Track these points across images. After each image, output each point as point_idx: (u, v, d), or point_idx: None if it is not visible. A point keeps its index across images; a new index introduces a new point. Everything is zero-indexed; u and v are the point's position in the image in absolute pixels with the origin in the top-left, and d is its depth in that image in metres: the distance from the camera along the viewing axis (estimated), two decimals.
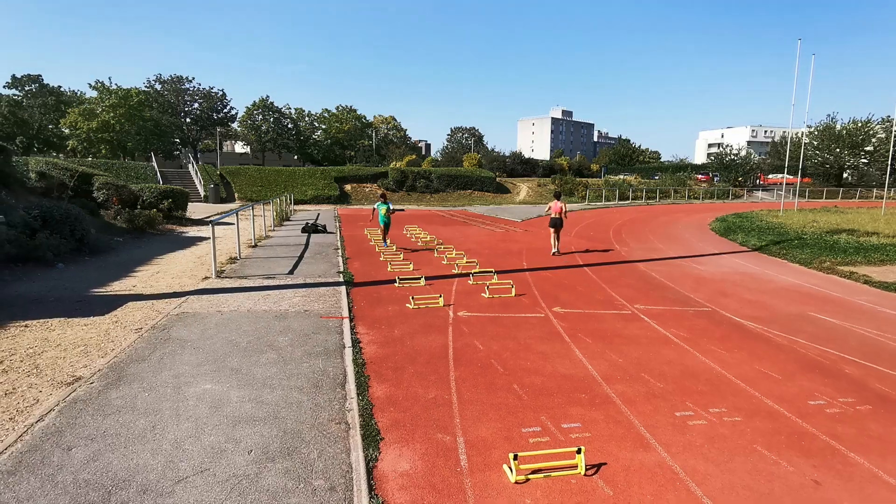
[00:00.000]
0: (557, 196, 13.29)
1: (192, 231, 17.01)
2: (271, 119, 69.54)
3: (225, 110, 64.35)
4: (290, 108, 72.29)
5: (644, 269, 11.38)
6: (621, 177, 57.58)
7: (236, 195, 34.95)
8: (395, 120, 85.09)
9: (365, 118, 78.67)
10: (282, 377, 4.61)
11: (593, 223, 22.49)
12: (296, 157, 72.89)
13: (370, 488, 3.05)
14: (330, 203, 34.73)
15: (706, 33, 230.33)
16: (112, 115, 49.58)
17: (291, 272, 9.70)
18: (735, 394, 4.65)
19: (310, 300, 7.53)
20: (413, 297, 7.66)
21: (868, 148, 60.05)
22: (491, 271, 9.81)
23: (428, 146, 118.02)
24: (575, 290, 8.97)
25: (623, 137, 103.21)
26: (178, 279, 8.92)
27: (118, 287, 8.20)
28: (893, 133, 33.91)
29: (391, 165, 50.03)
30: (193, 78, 61.65)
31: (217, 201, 32.28)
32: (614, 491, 3.14)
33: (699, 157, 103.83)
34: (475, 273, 9.74)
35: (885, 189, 29.90)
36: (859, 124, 59.43)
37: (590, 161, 77.83)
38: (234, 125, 69.82)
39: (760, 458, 3.55)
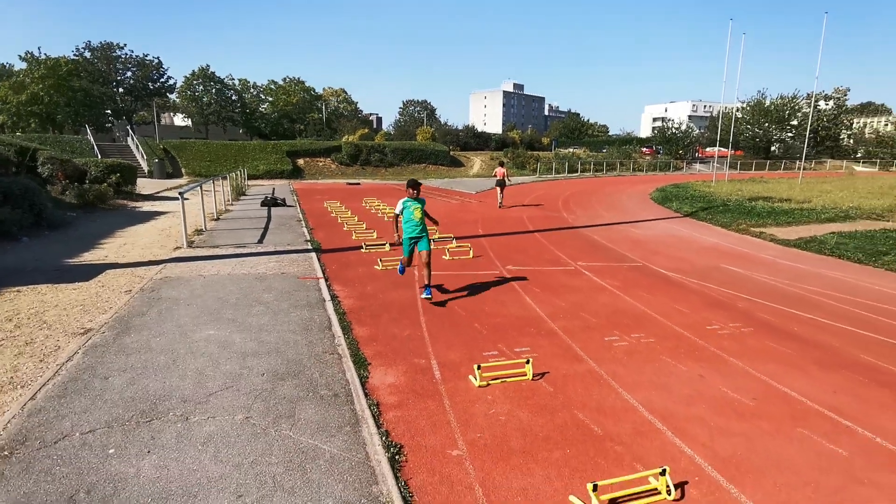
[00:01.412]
0: (501, 164, 18.33)
1: (146, 206, 16.81)
2: (213, 90, 66.47)
3: (161, 80, 60.88)
4: (233, 79, 69.32)
5: (588, 233, 12.55)
6: (571, 150, 59.54)
7: (183, 170, 33.88)
8: (346, 93, 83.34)
9: (314, 90, 76.57)
10: (275, 324, 5.29)
11: (543, 194, 23.70)
12: (241, 130, 70.31)
13: (366, 394, 3.85)
14: (283, 178, 34.33)
15: (652, 9, 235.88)
16: (41, 86, 46.18)
17: (261, 241, 10.16)
18: (652, 324, 5.74)
19: (284, 265, 8.11)
20: (380, 260, 8.40)
21: (793, 122, 64.79)
22: (450, 237, 10.64)
23: (379, 119, 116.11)
24: (526, 251, 9.96)
25: (573, 111, 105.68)
26: (149, 250, 9.21)
27: (90, 257, 8.44)
28: (812, 109, 36.99)
29: (344, 139, 49.46)
30: (125, 45, 57.68)
31: (163, 176, 31.17)
32: (554, 388, 4.10)
33: (644, 131, 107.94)
34: (435, 239, 10.54)
35: (802, 161, 32.82)
36: (786, 100, 63.89)
37: (541, 134, 79.57)
38: (173, 96, 66.30)
39: (664, 364, 4.62)
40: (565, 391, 4.06)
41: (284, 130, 70.56)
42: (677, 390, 4.09)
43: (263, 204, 16.86)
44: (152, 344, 4.61)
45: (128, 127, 48.43)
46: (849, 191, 23.54)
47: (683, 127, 63.37)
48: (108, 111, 56.63)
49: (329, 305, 6.01)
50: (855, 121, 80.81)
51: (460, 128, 57.89)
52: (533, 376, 4.25)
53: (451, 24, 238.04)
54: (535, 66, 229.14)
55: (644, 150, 61.35)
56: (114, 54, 56.06)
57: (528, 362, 4.29)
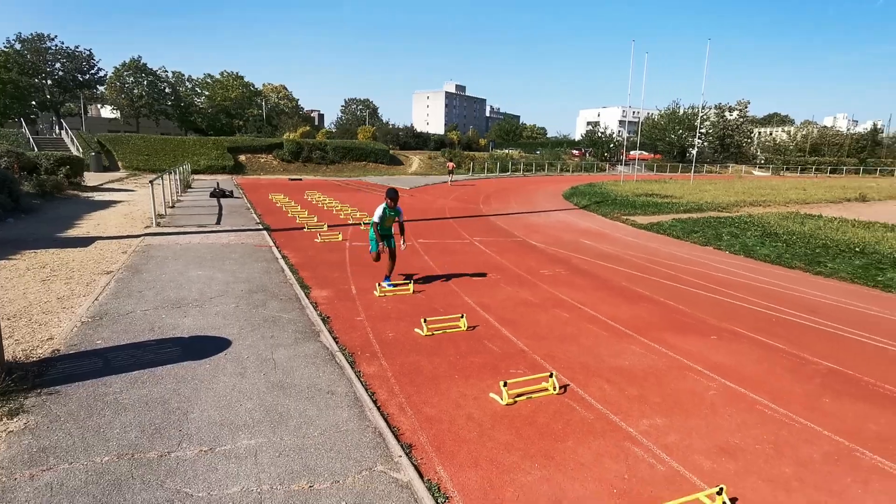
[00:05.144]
0: (450, 160, 35.47)
1: (96, 196, 18.08)
2: (145, 82, 64.96)
3: (92, 72, 59.02)
4: (166, 71, 67.95)
5: (493, 220, 15.45)
6: (506, 151, 63.47)
7: (120, 164, 34.18)
8: (286, 89, 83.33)
9: (253, 86, 76.27)
10: (243, 269, 7.61)
11: (471, 190, 26.64)
12: (176, 124, 69.05)
13: (308, 298, 6.33)
14: (225, 173, 35.33)
15: (592, 19, 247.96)
16: None
17: (218, 223, 12.23)
18: (504, 269, 8.56)
19: (242, 238, 10.32)
20: (319, 233, 10.79)
21: (703, 130, 72.37)
22: None
23: (321, 116, 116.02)
24: (438, 231, 12.66)
25: (511, 114, 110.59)
26: (122, 228, 11.07)
27: (75, 233, 10.26)
28: (699, 119, 42.21)
29: (285, 136, 50.47)
30: (56, 36, 55.51)
31: (100, 170, 31.46)
32: (426, 296, 6.75)
33: (579, 134, 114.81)
34: (366, 222, 13.01)
35: (693, 165, 37.90)
36: (696, 109, 71.13)
37: (481, 135, 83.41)
38: (102, 88, 64.18)
39: (499, 287, 7.41)
40: (432, 298, 6.72)
41: (222, 126, 69.94)
42: (498, 297, 6.87)
43: (212, 195, 18.58)
44: (162, 277, 6.85)
45: (55, 119, 47.08)
46: (723, 190, 28.12)
47: (608, 131, 69.11)
48: (34, 103, 54.34)
49: (281, 261, 8.38)
50: (761, 130, 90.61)
51: (401, 127, 60.25)
52: (413, 291, 6.89)
53: (397, 23, 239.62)
54: (479, 69, 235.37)
55: (574, 152, 66.36)
56: (44, 45, 53.84)
57: (411, 282, 6.93)
